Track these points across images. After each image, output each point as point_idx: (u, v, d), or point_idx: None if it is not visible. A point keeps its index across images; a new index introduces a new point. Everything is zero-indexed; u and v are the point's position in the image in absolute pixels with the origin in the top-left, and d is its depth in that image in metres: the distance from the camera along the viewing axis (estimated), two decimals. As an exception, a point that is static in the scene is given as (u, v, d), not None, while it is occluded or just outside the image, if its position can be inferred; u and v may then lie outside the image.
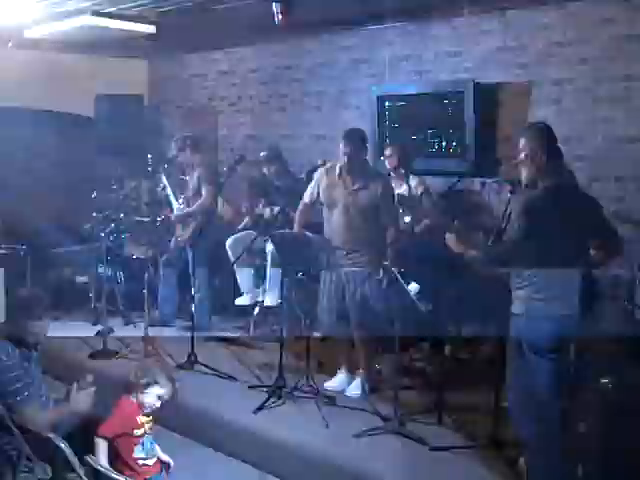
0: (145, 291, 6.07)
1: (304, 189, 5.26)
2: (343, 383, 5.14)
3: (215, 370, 5.46)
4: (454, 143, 6.20)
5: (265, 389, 4.99)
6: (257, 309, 6.49)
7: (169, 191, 6.58)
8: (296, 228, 5.23)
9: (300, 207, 5.24)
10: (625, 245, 3.74)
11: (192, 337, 5.60)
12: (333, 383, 5.17)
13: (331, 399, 4.89)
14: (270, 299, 6.22)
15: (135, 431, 3.47)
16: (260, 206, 6.63)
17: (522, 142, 3.64)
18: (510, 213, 3.64)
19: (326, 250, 4.89)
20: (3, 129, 8.04)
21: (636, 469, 3.47)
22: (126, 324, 6.80)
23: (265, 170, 6.61)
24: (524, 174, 3.63)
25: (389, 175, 5.59)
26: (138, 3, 6.10)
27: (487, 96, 6.08)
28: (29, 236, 7.80)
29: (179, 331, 6.50)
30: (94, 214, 6.67)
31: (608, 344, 4.01)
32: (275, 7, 5.66)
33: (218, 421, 4.81)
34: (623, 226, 4.31)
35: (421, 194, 5.73)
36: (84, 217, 7.03)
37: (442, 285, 4.86)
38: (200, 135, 7.14)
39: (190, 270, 6.24)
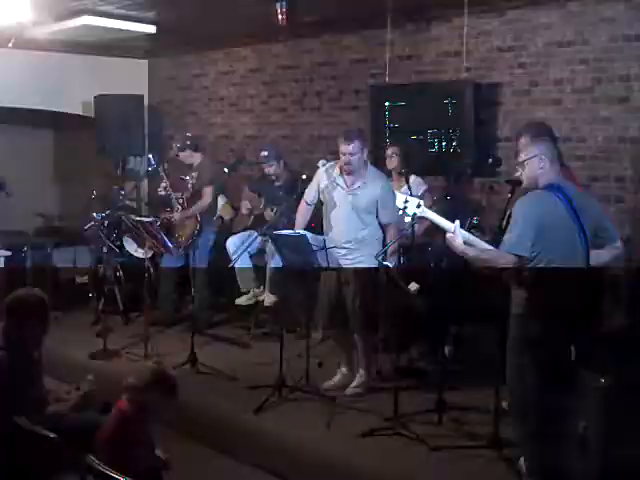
0: (145, 291, 6.07)
1: (304, 189, 5.27)
2: (343, 383, 5.15)
3: (215, 370, 5.46)
4: (454, 143, 6.20)
5: (265, 389, 4.99)
6: (257, 309, 6.49)
7: (169, 191, 6.58)
8: (296, 228, 5.24)
9: (300, 207, 5.25)
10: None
11: (192, 337, 5.61)
12: (333, 383, 5.17)
13: (331, 399, 4.90)
14: (270, 299, 6.23)
15: None
16: (260, 206, 6.63)
17: (521, 142, 3.64)
18: (510, 213, 3.64)
19: (326, 250, 4.89)
20: (3, 129, 8.06)
21: (636, 469, 3.47)
22: (126, 324, 6.81)
23: (265, 170, 6.61)
24: (524, 174, 3.63)
25: (389, 175, 5.59)
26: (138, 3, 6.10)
27: (487, 96, 6.08)
28: (29, 236, 7.83)
29: (179, 331, 6.51)
30: (94, 214, 6.66)
31: (608, 343, 4.01)
32: (276, 7, 5.67)
33: (218, 421, 4.81)
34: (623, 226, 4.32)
35: (421, 194, 5.73)
36: (84, 217, 7.02)
37: (442, 285, 4.86)
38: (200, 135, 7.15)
39: (190, 270, 6.24)
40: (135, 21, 7.03)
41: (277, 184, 6.54)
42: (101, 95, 7.97)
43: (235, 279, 6.53)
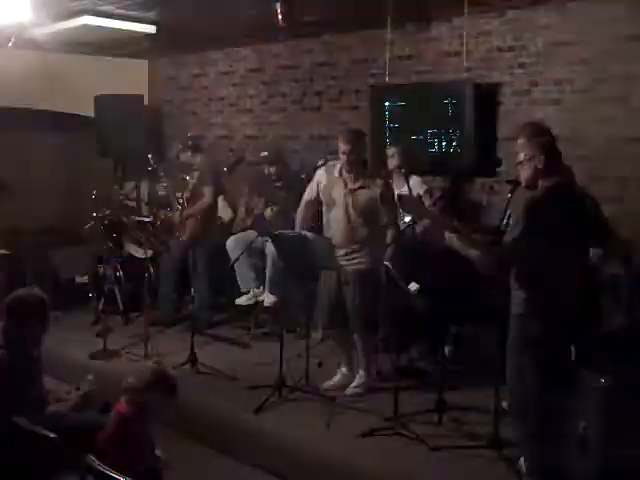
0: (145, 291, 6.07)
1: (304, 189, 5.26)
2: (343, 383, 5.15)
3: (215, 370, 5.46)
4: (454, 143, 6.20)
5: (265, 389, 4.99)
6: (257, 309, 6.49)
7: (170, 191, 6.58)
8: (296, 228, 5.24)
9: (300, 207, 5.25)
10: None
11: (192, 337, 5.60)
12: (333, 383, 5.17)
13: (331, 399, 4.89)
14: (270, 299, 6.23)
15: None
16: (260, 206, 6.63)
17: (521, 142, 3.64)
18: (510, 213, 3.64)
19: (326, 250, 4.89)
20: (3, 129, 8.05)
21: (636, 469, 3.47)
22: (126, 324, 6.81)
23: (266, 170, 6.61)
24: (524, 174, 3.63)
25: (389, 175, 5.59)
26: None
27: (487, 96, 6.08)
28: (29, 236, 7.82)
29: (179, 331, 6.51)
30: (94, 214, 6.66)
31: (608, 343, 4.01)
32: (276, 7, 5.67)
33: (218, 421, 4.81)
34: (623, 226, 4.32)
35: (421, 194, 5.73)
36: (84, 217, 7.03)
37: (442, 285, 4.86)
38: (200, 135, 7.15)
39: (190, 270, 6.24)
40: (135, 21, 7.03)
41: (277, 184, 6.54)
42: (101, 95, 7.97)
43: (235, 279, 6.53)
